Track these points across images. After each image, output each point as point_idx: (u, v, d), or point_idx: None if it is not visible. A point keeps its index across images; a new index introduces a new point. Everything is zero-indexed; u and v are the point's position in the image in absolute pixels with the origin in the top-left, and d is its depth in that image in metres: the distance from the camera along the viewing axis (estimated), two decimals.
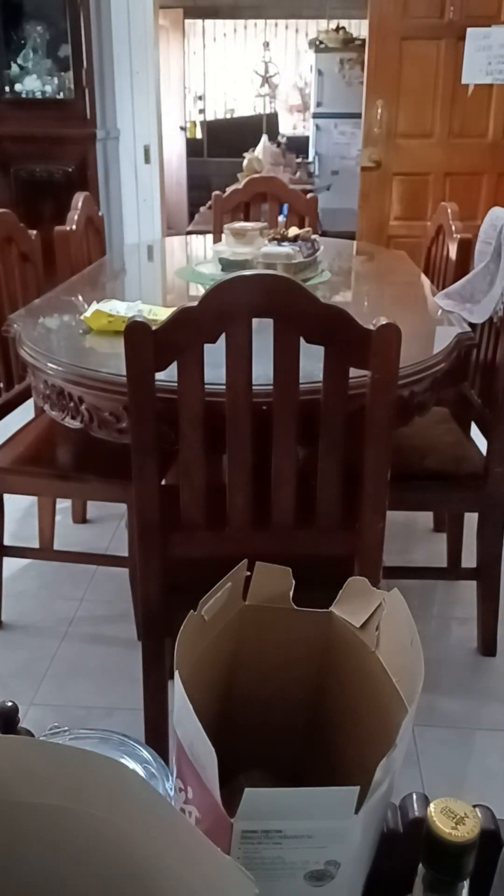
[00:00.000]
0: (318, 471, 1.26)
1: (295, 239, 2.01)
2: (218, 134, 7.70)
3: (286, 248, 1.92)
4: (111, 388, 1.32)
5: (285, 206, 2.49)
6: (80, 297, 1.91)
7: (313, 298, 1.14)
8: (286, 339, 1.16)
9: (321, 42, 6.62)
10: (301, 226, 2.51)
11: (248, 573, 0.57)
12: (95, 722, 1.64)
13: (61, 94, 3.72)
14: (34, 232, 2.07)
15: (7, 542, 1.94)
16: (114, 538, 2.34)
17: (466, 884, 0.42)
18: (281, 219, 2.39)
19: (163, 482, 1.34)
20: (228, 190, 2.88)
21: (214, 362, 1.17)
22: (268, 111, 7.72)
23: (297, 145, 6.55)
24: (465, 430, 1.97)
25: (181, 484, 1.28)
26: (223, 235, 2.27)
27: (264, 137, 4.60)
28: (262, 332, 1.15)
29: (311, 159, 6.64)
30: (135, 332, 1.14)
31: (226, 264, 2.00)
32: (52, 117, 3.68)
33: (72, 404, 1.40)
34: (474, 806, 0.43)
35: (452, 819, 0.40)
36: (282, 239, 2.01)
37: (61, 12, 3.56)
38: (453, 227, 2.12)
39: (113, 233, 3.84)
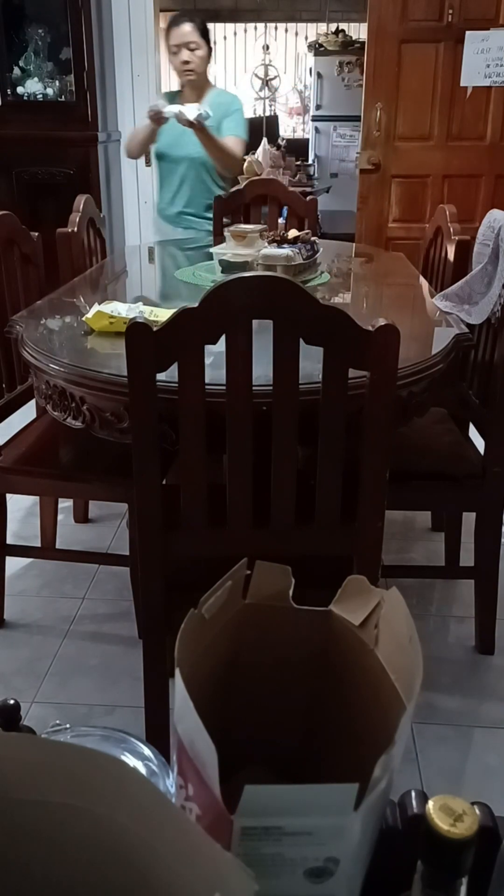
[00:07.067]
0: (317, 470, 1.26)
1: (294, 241, 2.02)
2: None
3: (286, 250, 1.93)
4: (113, 388, 1.32)
5: (285, 209, 2.50)
6: (82, 299, 1.92)
7: (313, 300, 1.14)
8: (286, 340, 1.16)
9: (320, 45, 6.62)
10: (300, 228, 2.51)
11: (248, 572, 0.58)
12: (97, 719, 1.64)
13: (63, 96, 3.72)
14: (36, 234, 2.07)
15: (9, 541, 1.95)
16: (115, 537, 2.34)
17: (465, 880, 0.42)
18: (281, 221, 2.39)
19: (164, 482, 1.35)
20: (229, 192, 2.89)
21: (215, 363, 1.17)
22: (267, 114, 7.73)
23: (297, 148, 6.55)
24: (463, 430, 1.98)
25: (182, 483, 1.28)
26: (223, 237, 2.27)
27: (264, 140, 4.60)
28: (262, 332, 1.16)
29: (310, 162, 6.64)
30: (136, 333, 1.14)
31: (226, 266, 2.01)
32: (53, 120, 3.69)
33: (73, 405, 1.41)
34: (473, 803, 0.43)
35: (451, 816, 0.40)
36: (281, 241, 2.01)
37: (63, 15, 3.57)
38: (451, 229, 2.12)
39: (114, 235, 3.85)
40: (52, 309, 1.85)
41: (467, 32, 3.30)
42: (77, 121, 3.65)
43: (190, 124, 2.52)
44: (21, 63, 3.72)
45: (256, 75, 7.76)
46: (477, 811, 0.42)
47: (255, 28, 7.80)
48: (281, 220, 2.40)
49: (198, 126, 2.53)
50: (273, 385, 1.20)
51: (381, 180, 3.60)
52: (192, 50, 2.63)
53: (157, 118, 2.55)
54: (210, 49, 2.70)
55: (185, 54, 2.63)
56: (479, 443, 1.81)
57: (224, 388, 1.19)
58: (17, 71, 3.72)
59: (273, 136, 6.65)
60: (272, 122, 7.63)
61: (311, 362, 1.19)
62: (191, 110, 2.50)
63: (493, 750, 1.60)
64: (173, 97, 2.80)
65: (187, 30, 2.62)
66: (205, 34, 2.67)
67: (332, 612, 0.59)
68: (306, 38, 7.55)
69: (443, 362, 1.46)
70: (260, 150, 4.38)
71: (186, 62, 2.64)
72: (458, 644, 1.90)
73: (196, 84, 2.72)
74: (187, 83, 2.71)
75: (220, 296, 1.14)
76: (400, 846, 0.50)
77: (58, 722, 0.63)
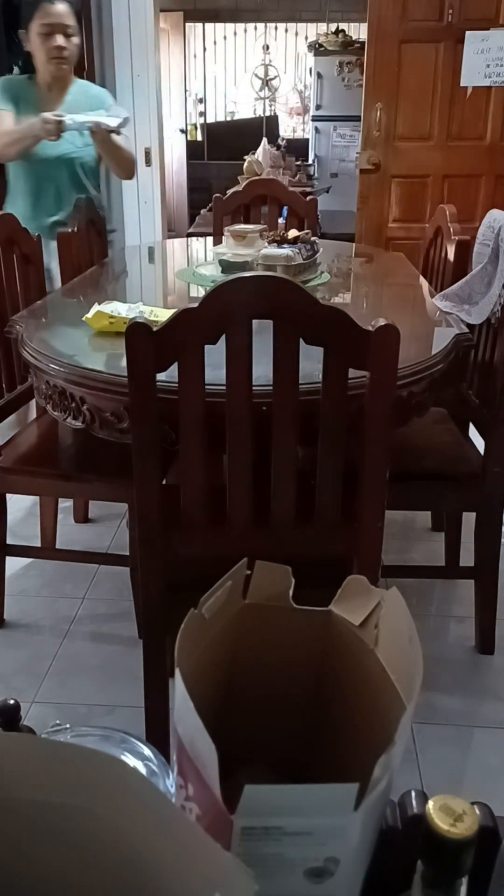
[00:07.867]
0: (317, 470, 1.26)
1: (294, 241, 2.02)
2: (218, 136, 7.71)
3: (286, 250, 1.93)
4: (112, 388, 1.32)
5: (285, 209, 2.50)
6: (82, 299, 1.92)
7: (313, 300, 1.14)
8: (286, 340, 1.16)
9: (320, 45, 6.62)
10: (300, 228, 2.51)
11: (248, 572, 0.58)
12: (97, 719, 1.64)
13: None
14: (36, 234, 2.07)
15: (9, 541, 1.95)
16: (115, 537, 2.34)
17: (465, 880, 0.42)
18: (281, 221, 2.39)
19: (164, 482, 1.35)
20: (229, 192, 2.89)
21: (215, 363, 1.17)
22: (267, 114, 7.73)
23: (297, 148, 6.55)
24: (462, 430, 1.98)
25: (182, 483, 1.28)
26: (223, 237, 2.27)
27: (264, 140, 4.60)
28: (263, 332, 1.16)
29: (310, 162, 6.64)
30: (136, 333, 1.14)
31: (226, 266, 2.01)
32: None
33: (73, 405, 1.41)
34: (473, 803, 0.43)
35: (451, 816, 0.40)
36: (281, 241, 2.01)
37: None
38: (451, 229, 2.12)
39: (114, 235, 3.84)
40: (52, 309, 1.85)
41: (467, 32, 3.30)
42: None
43: (109, 133, 2.27)
44: (21, 63, 3.72)
45: (256, 75, 7.76)
46: (477, 811, 0.42)
47: (255, 28, 7.80)
48: (281, 220, 2.40)
49: (112, 133, 2.28)
50: (273, 385, 1.20)
51: (381, 180, 3.60)
52: (67, 36, 2.28)
53: (59, 132, 2.19)
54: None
55: (59, 39, 2.26)
56: (480, 443, 1.81)
57: (224, 388, 1.19)
58: (16, 71, 3.72)
59: (273, 136, 6.66)
60: (272, 122, 7.64)
61: (311, 362, 1.19)
62: (109, 118, 2.26)
63: (493, 750, 1.60)
64: (28, 87, 2.41)
65: (64, 11, 2.25)
66: (79, 21, 2.35)
67: (332, 613, 0.59)
68: (306, 38, 7.54)
69: (443, 362, 1.46)
70: (260, 150, 4.38)
71: (61, 48, 2.27)
72: (458, 644, 1.90)
73: (62, 75, 2.36)
74: (56, 71, 2.34)
75: (220, 296, 1.14)
76: (400, 846, 0.50)
77: (58, 722, 0.63)
